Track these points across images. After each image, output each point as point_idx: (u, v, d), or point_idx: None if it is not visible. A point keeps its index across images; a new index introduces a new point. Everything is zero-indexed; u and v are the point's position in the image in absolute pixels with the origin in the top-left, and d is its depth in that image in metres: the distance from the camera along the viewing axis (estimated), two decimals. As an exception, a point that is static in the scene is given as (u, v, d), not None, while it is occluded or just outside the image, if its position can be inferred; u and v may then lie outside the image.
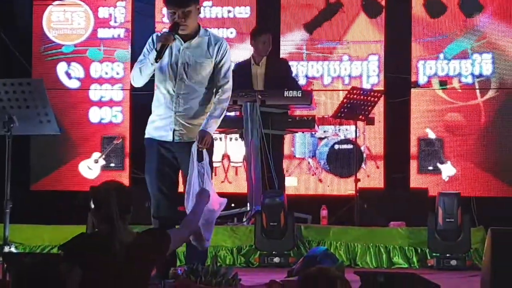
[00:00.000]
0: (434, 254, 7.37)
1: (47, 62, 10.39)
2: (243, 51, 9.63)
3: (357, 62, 10.17)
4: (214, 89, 5.94)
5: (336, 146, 9.54)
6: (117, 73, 10.39)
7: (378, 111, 9.81)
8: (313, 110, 8.75)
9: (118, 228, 3.97)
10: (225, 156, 10.16)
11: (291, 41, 10.25)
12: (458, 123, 9.94)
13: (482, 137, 9.86)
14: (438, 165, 9.90)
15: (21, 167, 9.80)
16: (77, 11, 10.42)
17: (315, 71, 10.24)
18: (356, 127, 9.16)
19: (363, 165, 9.75)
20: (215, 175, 9.39)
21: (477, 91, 9.95)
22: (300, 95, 8.26)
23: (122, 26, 10.41)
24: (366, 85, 10.03)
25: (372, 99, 8.98)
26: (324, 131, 9.85)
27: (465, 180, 9.82)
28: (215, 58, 5.93)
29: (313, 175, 10.10)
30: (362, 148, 9.70)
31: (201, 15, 6.44)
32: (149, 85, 6.20)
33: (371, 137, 10.04)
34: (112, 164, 10.24)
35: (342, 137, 9.68)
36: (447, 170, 9.87)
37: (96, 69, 10.40)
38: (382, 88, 9.97)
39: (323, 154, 9.67)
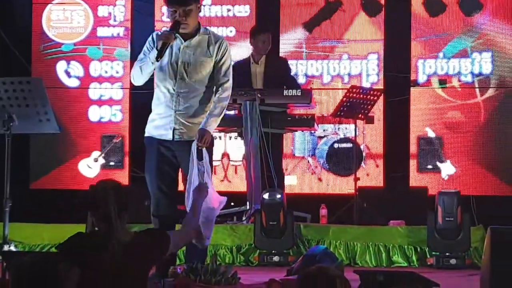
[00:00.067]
0: (433, 253, 7.37)
1: (46, 60, 10.37)
2: (242, 50, 9.63)
3: (357, 61, 10.16)
4: (214, 88, 5.94)
5: (336, 145, 9.53)
6: (117, 72, 10.38)
7: (378, 109, 9.80)
8: (312, 109, 8.74)
9: (116, 227, 3.97)
10: (225, 155, 10.15)
11: (290, 40, 10.23)
12: (457, 121, 9.93)
13: (481, 136, 9.85)
14: (438, 164, 9.88)
15: (20, 166, 9.80)
16: (77, 9, 10.40)
17: (315, 70, 10.23)
18: (355, 126, 9.16)
19: (362, 164, 9.74)
20: (215, 173, 9.38)
21: (477, 89, 9.94)
22: (299, 94, 8.25)
23: (121, 25, 10.39)
24: (366, 84, 10.02)
25: (372, 97, 8.98)
26: (324, 130, 9.85)
27: (464, 179, 9.80)
28: (215, 57, 5.93)
29: (312, 174, 10.09)
30: (361, 147, 9.69)
31: (201, 14, 6.42)
32: (149, 84, 6.21)
33: (371, 136, 10.03)
34: (112, 163, 10.23)
35: (342, 136, 9.68)
36: (447, 169, 9.85)
37: (96, 68, 10.39)
38: (382, 87, 9.96)
39: (322, 153, 9.67)
